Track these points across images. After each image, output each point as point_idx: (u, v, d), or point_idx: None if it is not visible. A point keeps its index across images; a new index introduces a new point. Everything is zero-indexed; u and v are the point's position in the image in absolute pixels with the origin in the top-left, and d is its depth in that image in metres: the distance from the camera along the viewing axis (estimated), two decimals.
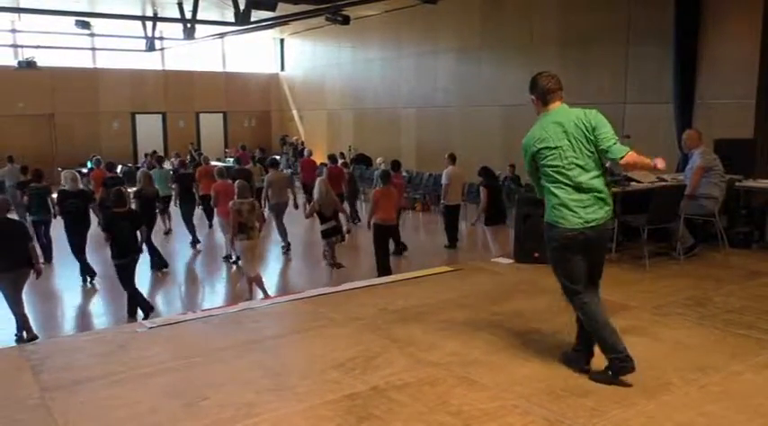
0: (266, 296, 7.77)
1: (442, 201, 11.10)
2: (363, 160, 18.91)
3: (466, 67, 16.21)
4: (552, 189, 3.66)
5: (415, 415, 3.35)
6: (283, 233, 11.04)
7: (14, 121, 20.64)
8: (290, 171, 19.67)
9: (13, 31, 20.54)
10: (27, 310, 6.89)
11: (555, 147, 3.61)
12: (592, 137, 3.62)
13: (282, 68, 24.86)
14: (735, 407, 3.43)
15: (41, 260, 9.89)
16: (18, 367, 4.11)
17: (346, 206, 11.73)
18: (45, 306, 8.41)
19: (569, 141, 3.61)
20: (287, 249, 11.02)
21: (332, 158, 13.11)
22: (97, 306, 8.79)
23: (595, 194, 3.65)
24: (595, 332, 3.69)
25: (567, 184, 3.63)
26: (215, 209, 10.41)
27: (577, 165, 3.61)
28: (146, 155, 17.32)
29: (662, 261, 6.51)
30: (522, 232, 6.58)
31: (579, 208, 3.61)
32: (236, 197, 7.98)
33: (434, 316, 4.89)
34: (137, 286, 7.54)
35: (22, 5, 16.28)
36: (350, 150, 20.22)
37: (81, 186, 9.66)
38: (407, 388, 3.65)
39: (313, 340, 4.49)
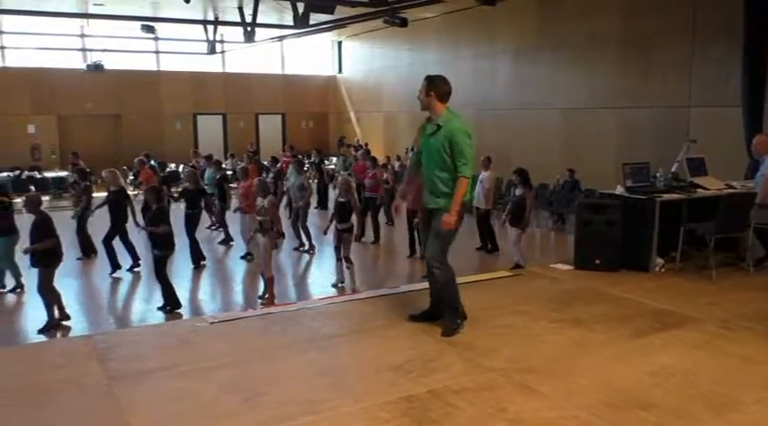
0: (271, 299, 7.79)
1: (481, 206, 10.77)
2: None
3: (524, 69, 16.01)
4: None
5: (473, 421, 3.32)
6: (306, 235, 11.19)
7: (83, 121, 21.57)
8: (345, 173, 19.86)
9: (82, 35, 21.46)
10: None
11: None
12: None
13: (340, 70, 25.10)
14: None
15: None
16: (86, 355, 4.28)
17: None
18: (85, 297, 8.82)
19: None
20: (309, 249, 11.14)
21: (373, 161, 13.29)
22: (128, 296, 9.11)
23: None
24: (455, 294, 4.57)
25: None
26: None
27: None
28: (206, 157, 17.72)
29: (729, 272, 6.26)
30: (582, 238, 6.44)
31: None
32: (261, 194, 7.98)
33: (492, 321, 4.84)
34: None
35: (90, 11, 16.95)
36: (407, 152, 20.23)
37: (122, 183, 10.16)
38: (465, 393, 3.63)
39: (370, 340, 4.51)
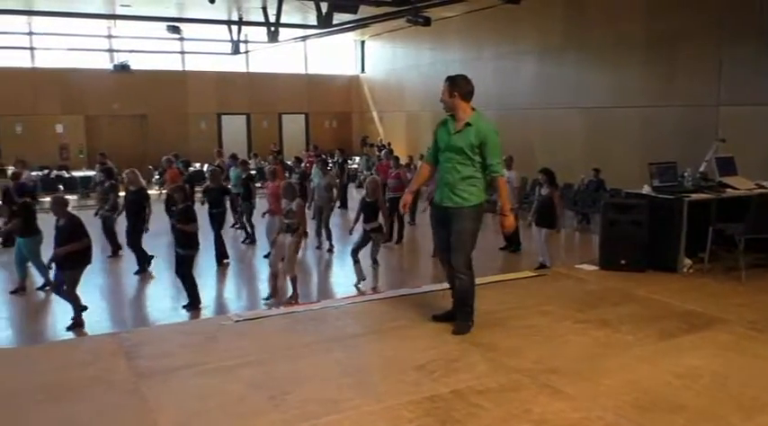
0: (295, 298, 7.95)
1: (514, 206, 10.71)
2: None
3: (547, 69, 15.88)
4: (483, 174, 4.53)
5: (497, 422, 3.30)
6: (328, 235, 11.36)
7: (110, 121, 21.88)
8: (369, 172, 19.87)
9: (109, 36, 21.78)
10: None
11: None
12: None
13: (363, 70, 25.14)
14: None
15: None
16: (113, 352, 4.32)
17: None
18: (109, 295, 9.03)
19: None
20: (329, 249, 11.31)
21: (396, 160, 13.37)
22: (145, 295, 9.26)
23: None
24: (472, 296, 4.57)
25: None
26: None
27: None
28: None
29: (760, 274, 6.13)
30: (608, 238, 6.36)
31: None
32: (289, 198, 8.08)
33: (517, 322, 4.81)
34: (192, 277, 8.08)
35: (117, 12, 17.20)
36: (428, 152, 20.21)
37: (142, 183, 10.34)
38: (489, 393, 3.60)
39: (393, 340, 4.50)
